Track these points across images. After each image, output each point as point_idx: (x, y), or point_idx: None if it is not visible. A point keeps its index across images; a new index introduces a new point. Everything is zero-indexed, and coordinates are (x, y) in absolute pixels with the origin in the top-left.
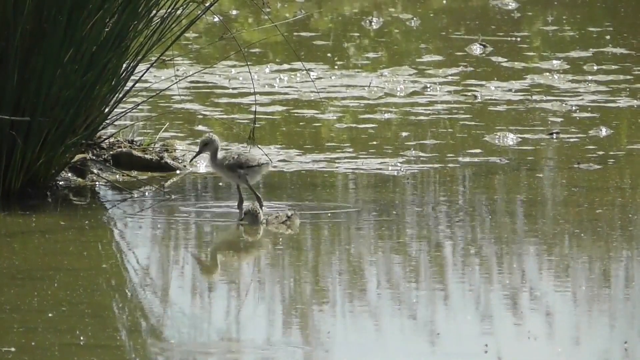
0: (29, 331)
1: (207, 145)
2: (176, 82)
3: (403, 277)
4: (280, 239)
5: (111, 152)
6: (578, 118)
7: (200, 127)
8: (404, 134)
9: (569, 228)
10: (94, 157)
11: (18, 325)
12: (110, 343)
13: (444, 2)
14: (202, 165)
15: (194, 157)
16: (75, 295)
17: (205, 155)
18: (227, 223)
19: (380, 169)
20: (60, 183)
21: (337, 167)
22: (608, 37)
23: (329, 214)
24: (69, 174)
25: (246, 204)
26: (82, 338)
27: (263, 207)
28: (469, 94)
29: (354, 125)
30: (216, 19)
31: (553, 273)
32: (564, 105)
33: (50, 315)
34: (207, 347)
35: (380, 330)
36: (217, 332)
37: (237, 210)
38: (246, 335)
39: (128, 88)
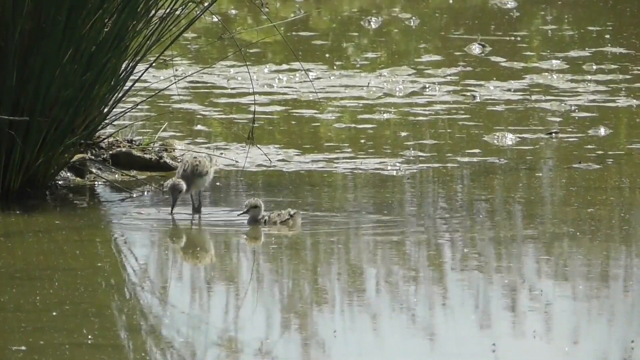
0: (36, 330)
1: (175, 191)
2: (175, 82)
3: (402, 277)
4: (280, 239)
5: (110, 152)
6: (577, 118)
7: (199, 127)
8: (403, 134)
9: (568, 228)
10: (93, 157)
11: (26, 325)
12: (119, 342)
13: (451, 1)
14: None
15: (172, 208)
16: (77, 295)
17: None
18: (225, 222)
19: (379, 169)
20: (60, 183)
21: (336, 167)
22: (608, 36)
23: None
24: (68, 174)
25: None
26: (90, 337)
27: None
28: (468, 94)
29: (353, 125)
30: (215, 19)
31: (552, 272)
32: (563, 105)
33: (54, 314)
34: (208, 346)
35: (379, 330)
36: (216, 330)
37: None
38: (245, 335)
39: (127, 88)
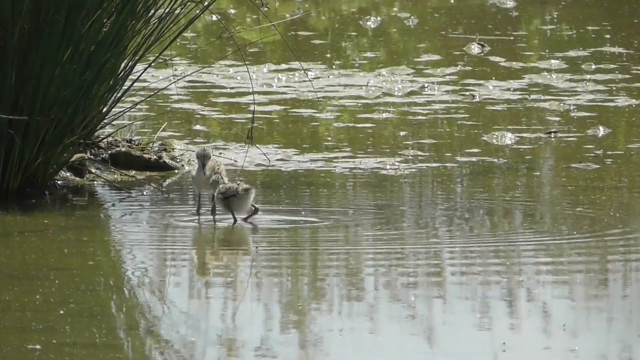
0: (47, 330)
1: (205, 157)
2: (174, 82)
3: (401, 277)
4: (278, 238)
5: (109, 152)
6: (576, 117)
7: (198, 127)
8: (402, 133)
9: (566, 227)
10: (92, 157)
11: (36, 324)
12: (131, 342)
13: (452, 1)
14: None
15: (204, 170)
16: (80, 294)
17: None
18: (224, 222)
19: (378, 168)
20: (59, 182)
21: (334, 167)
22: (608, 36)
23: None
24: (67, 174)
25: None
26: (102, 337)
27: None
28: (467, 93)
29: (352, 124)
30: (214, 18)
31: (551, 272)
32: (562, 104)
33: (61, 313)
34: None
35: (378, 330)
36: (216, 330)
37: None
38: (244, 335)
39: (126, 87)
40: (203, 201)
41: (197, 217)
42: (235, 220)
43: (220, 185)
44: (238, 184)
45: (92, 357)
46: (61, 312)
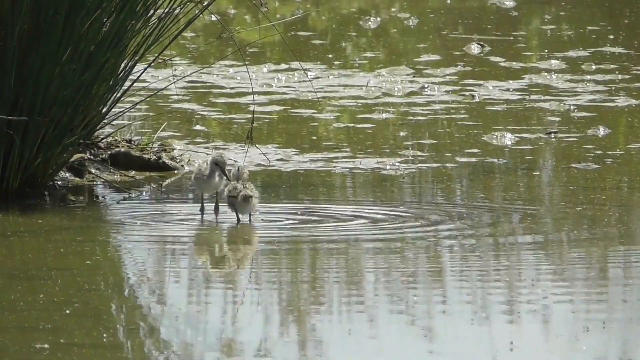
0: (55, 329)
1: (223, 162)
2: (174, 82)
3: (401, 278)
4: (278, 239)
5: (109, 152)
6: (576, 118)
7: (198, 127)
8: (402, 133)
9: (566, 227)
10: (92, 157)
11: (44, 323)
12: (137, 342)
13: (448, 1)
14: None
15: (226, 176)
16: (83, 294)
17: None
18: (223, 222)
19: (378, 168)
20: (58, 183)
21: (334, 167)
22: (611, 36)
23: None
24: (67, 174)
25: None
26: (109, 336)
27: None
28: (467, 93)
29: (352, 124)
30: (214, 18)
31: (551, 272)
32: (562, 104)
33: (67, 312)
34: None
35: (378, 331)
36: (220, 329)
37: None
38: (243, 337)
39: (126, 87)
40: (206, 200)
41: (200, 216)
42: (239, 220)
43: (231, 183)
44: (245, 187)
45: (101, 357)
46: (67, 311)
